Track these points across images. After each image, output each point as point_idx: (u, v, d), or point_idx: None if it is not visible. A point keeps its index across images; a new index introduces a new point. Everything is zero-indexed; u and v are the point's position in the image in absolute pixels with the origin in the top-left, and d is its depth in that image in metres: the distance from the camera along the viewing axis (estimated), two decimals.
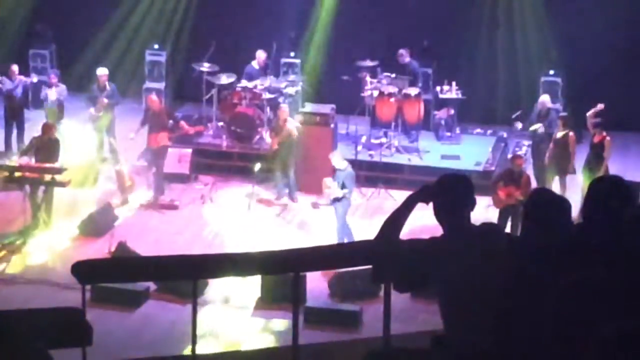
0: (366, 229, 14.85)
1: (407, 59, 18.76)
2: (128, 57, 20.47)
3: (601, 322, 3.93)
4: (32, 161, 15.71)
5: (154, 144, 16.99)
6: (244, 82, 18.67)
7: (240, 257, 6.17)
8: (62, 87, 18.63)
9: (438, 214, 4.78)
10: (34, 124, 17.85)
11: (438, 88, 18.97)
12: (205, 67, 18.87)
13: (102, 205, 16.14)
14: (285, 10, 19.78)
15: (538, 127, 16.89)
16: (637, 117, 18.70)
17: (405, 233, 4.84)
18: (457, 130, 19.02)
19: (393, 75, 18.49)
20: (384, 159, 17.91)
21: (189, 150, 17.95)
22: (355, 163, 16.43)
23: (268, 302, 13.51)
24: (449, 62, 19.38)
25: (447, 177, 4.87)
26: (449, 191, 4.78)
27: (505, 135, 18.91)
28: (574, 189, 15.38)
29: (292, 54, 20.14)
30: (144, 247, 14.52)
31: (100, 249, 14.91)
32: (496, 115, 19.19)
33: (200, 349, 11.01)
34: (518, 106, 18.36)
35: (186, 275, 5.98)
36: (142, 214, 16.62)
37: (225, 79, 18.69)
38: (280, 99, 18.41)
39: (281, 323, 12.92)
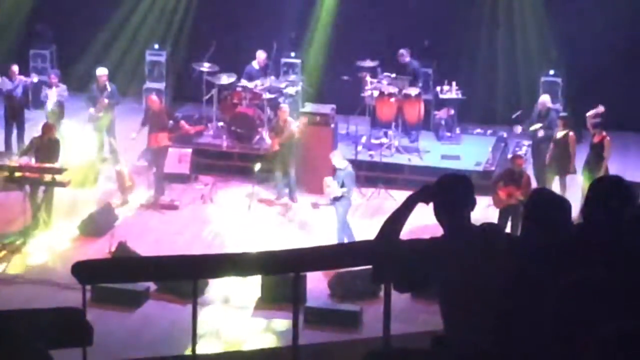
0: (366, 229, 14.84)
1: (408, 59, 18.76)
2: (128, 57, 20.47)
3: (601, 322, 3.93)
4: (32, 161, 15.71)
5: (154, 144, 16.99)
6: (244, 82, 18.67)
7: (241, 257, 6.17)
8: (63, 87, 18.62)
9: (438, 214, 4.79)
10: (34, 124, 17.85)
11: (438, 88, 18.97)
12: (206, 67, 18.87)
13: (102, 206, 16.14)
14: (286, 10, 19.78)
15: (538, 127, 16.89)
16: (637, 117, 18.71)
17: (405, 233, 4.85)
18: (457, 131, 19.02)
19: (393, 76, 18.49)
20: (384, 159, 17.91)
21: (189, 151, 17.94)
22: (355, 163, 16.44)
23: (268, 302, 13.51)
24: (449, 62, 19.38)
25: (447, 177, 4.88)
26: (449, 191, 4.78)
27: (505, 135, 18.91)
28: (574, 189, 15.39)
29: (292, 54, 20.14)
30: (144, 247, 14.52)
31: (100, 249, 14.92)
32: (496, 115, 19.20)
33: (201, 349, 11.02)
34: (518, 106, 18.38)
35: (186, 275, 5.98)
36: (142, 214, 16.62)
37: (225, 79, 18.69)
38: (281, 99, 18.41)
39: (281, 323, 12.92)
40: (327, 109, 18.29)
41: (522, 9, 19.46)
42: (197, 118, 19.12)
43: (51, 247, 15.26)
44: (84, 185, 16.74)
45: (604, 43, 18.60)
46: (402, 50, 18.72)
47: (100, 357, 6.17)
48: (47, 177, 15.47)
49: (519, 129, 17.18)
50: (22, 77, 18.81)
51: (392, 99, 18.18)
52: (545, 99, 17.35)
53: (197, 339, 5.64)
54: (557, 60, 19.08)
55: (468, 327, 4.62)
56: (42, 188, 15.74)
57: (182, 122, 17.44)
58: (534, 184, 15.55)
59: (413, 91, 18.23)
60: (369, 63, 18.74)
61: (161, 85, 20.30)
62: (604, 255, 4.43)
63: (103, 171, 17.56)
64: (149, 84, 20.29)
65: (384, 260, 4.96)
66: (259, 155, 17.55)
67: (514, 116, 18.06)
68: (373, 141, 18.50)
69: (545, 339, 4.32)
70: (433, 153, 18.26)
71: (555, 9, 19.00)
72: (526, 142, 18.07)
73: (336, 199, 15.23)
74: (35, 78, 19.33)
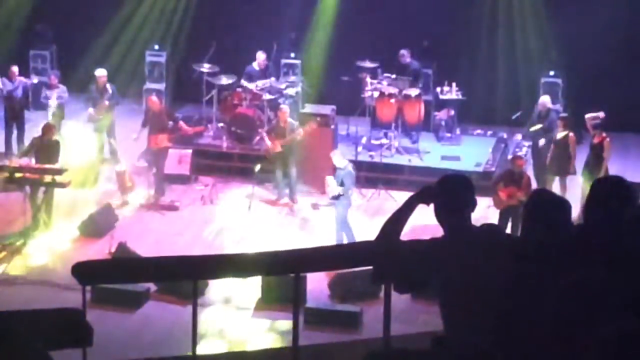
0: (366, 229, 14.85)
1: (408, 60, 18.77)
2: (128, 57, 20.46)
3: (601, 323, 3.93)
4: (33, 162, 15.71)
5: (154, 145, 17.00)
6: (244, 83, 18.68)
7: (241, 257, 6.17)
8: (63, 88, 18.62)
9: (439, 214, 4.79)
10: (34, 125, 17.85)
11: (438, 89, 18.98)
12: (206, 67, 18.88)
13: (103, 206, 16.14)
14: (286, 11, 19.78)
15: (538, 128, 16.90)
16: (637, 118, 18.70)
17: (406, 232, 4.84)
18: (458, 131, 19.02)
19: (393, 76, 18.49)
20: (385, 160, 17.91)
21: (189, 151, 17.95)
22: (355, 164, 16.43)
23: (268, 303, 13.51)
24: (449, 63, 19.38)
25: (447, 178, 4.88)
26: (450, 192, 4.78)
27: (505, 136, 18.92)
28: (574, 190, 15.39)
29: (292, 54, 20.14)
30: (144, 248, 14.52)
31: (100, 249, 14.92)
32: (496, 116, 19.20)
33: (201, 350, 11.01)
34: (518, 107, 18.39)
35: (186, 276, 5.98)
36: (143, 214, 16.63)
37: (225, 80, 18.70)
38: (281, 100, 18.42)
39: (281, 324, 12.91)
40: (327, 109, 18.31)
41: (522, 10, 19.46)
42: (197, 119, 19.12)
43: (51, 247, 15.26)
44: (84, 186, 16.75)
45: (604, 44, 18.59)
46: (402, 51, 18.73)
47: (100, 357, 6.17)
48: (47, 178, 15.47)
49: (519, 136, 17.28)
50: (22, 78, 18.82)
51: (392, 100, 18.19)
52: (545, 99, 17.35)
53: (197, 340, 5.64)
54: (557, 61, 19.08)
55: (468, 327, 4.62)
56: (42, 189, 15.74)
57: (181, 123, 17.44)
58: (534, 185, 15.56)
59: (413, 92, 18.24)
60: (369, 64, 18.74)
61: (161, 86, 20.30)
62: (604, 255, 4.43)
63: (103, 172, 17.56)
64: (148, 85, 20.29)
65: (384, 260, 4.96)
66: (259, 156, 17.54)
67: (514, 117, 18.08)
68: (373, 142, 18.50)
69: (545, 339, 4.32)
70: (433, 154, 18.26)
71: (555, 9, 19.00)
72: (526, 143, 18.07)
73: (335, 198, 15.24)
74: (35, 79, 19.33)
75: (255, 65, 19.01)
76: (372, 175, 17.60)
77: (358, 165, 16.77)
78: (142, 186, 17.14)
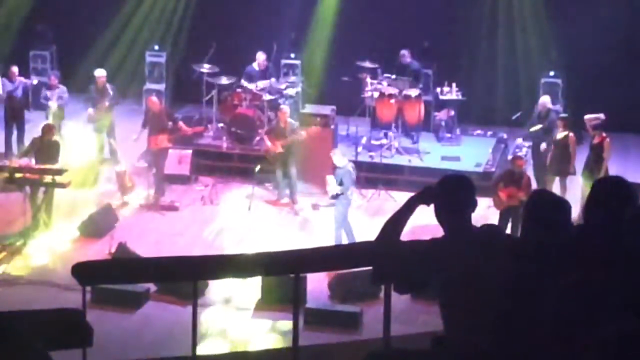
0: (366, 230, 14.84)
1: (409, 60, 18.78)
2: (128, 58, 20.46)
3: (601, 323, 3.94)
4: (33, 162, 15.71)
5: (154, 146, 17.00)
6: (244, 83, 18.68)
7: (241, 258, 6.18)
8: (63, 88, 18.61)
9: (439, 215, 4.79)
10: (34, 125, 17.83)
11: (438, 89, 18.98)
12: (206, 68, 18.87)
13: (103, 207, 16.14)
14: (286, 11, 19.78)
15: (538, 128, 16.91)
16: (637, 119, 18.70)
17: (407, 232, 4.85)
18: (458, 132, 19.02)
19: (393, 77, 18.50)
20: (384, 160, 17.91)
21: (189, 152, 17.95)
22: (355, 164, 16.43)
23: (268, 303, 13.50)
24: (449, 64, 19.38)
25: (448, 179, 4.88)
26: (450, 192, 4.79)
27: (505, 136, 18.92)
28: (574, 191, 15.39)
29: (292, 55, 20.14)
30: (144, 248, 14.52)
31: (100, 250, 14.91)
32: (496, 116, 19.20)
33: (201, 351, 11.01)
34: (518, 107, 18.39)
35: (186, 276, 5.98)
36: (143, 215, 16.62)
37: (225, 80, 18.70)
38: (281, 100, 18.41)
39: (281, 324, 12.91)
40: (327, 110, 18.31)
41: (522, 10, 19.46)
42: (197, 119, 19.12)
43: (51, 248, 15.25)
44: (84, 186, 16.75)
45: (604, 44, 18.59)
46: (403, 51, 18.74)
47: (100, 358, 6.17)
48: (47, 178, 15.47)
49: (520, 140, 17.35)
50: (22, 79, 18.82)
51: (392, 100, 18.19)
52: (545, 100, 17.36)
53: (197, 340, 5.64)
54: (557, 61, 19.08)
55: (468, 327, 4.62)
56: (42, 189, 15.74)
57: (181, 124, 17.42)
58: (534, 185, 15.56)
59: (413, 92, 18.25)
60: (368, 64, 18.74)
61: (161, 87, 20.30)
62: (604, 256, 4.43)
63: (103, 172, 17.57)
64: (148, 85, 20.29)
65: (385, 261, 4.96)
66: (259, 157, 17.54)
67: (514, 117, 18.08)
68: (373, 142, 18.50)
69: (545, 339, 4.32)
70: (433, 154, 18.26)
71: (555, 10, 19.00)
72: (526, 144, 18.07)
73: (334, 197, 15.26)
74: (35, 81, 19.33)
75: (255, 65, 19.01)
76: (372, 175, 17.60)
77: (358, 165, 16.76)
78: (142, 186, 17.14)
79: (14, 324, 4.72)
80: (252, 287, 13.71)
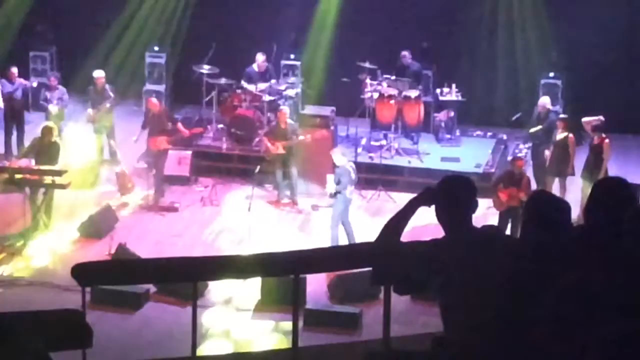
0: (366, 230, 14.85)
1: (410, 61, 18.78)
2: (128, 59, 20.45)
3: (601, 323, 3.94)
4: (32, 163, 15.71)
5: (154, 147, 16.99)
6: (244, 84, 18.68)
7: (240, 259, 6.18)
8: (62, 89, 18.60)
9: (440, 215, 4.79)
10: (34, 126, 17.82)
11: (438, 90, 18.97)
12: (205, 69, 18.87)
13: (102, 208, 16.13)
14: (286, 12, 19.77)
15: (538, 129, 16.92)
16: (637, 120, 18.69)
17: (408, 231, 4.85)
18: (457, 133, 19.02)
19: (393, 78, 18.49)
20: (384, 161, 17.90)
21: (189, 153, 17.95)
22: (355, 165, 16.43)
23: (268, 305, 13.50)
24: (449, 64, 19.38)
25: (449, 179, 4.88)
26: (451, 193, 4.79)
27: (505, 137, 18.92)
28: (574, 191, 15.40)
29: (292, 56, 20.13)
30: (144, 249, 14.52)
31: (100, 251, 14.91)
32: (496, 117, 19.20)
33: (200, 352, 11.01)
34: (518, 108, 18.39)
35: (186, 277, 5.99)
36: (143, 216, 16.62)
37: (225, 81, 18.70)
38: (280, 101, 18.41)
39: (281, 325, 12.91)
40: (327, 111, 18.31)
41: (522, 10, 19.45)
42: (197, 120, 19.12)
43: (51, 249, 15.25)
44: (84, 187, 16.74)
45: (604, 45, 18.60)
46: (404, 52, 18.74)
47: (99, 358, 6.18)
48: (47, 179, 15.47)
49: (522, 146, 17.42)
50: (22, 80, 18.81)
51: (392, 101, 18.19)
52: (545, 101, 17.35)
53: (197, 341, 5.65)
54: (557, 62, 19.07)
55: (468, 328, 4.62)
56: (42, 190, 15.74)
57: (179, 125, 17.39)
58: (533, 186, 15.57)
59: (413, 93, 18.24)
60: (368, 65, 18.73)
61: (161, 87, 20.29)
62: (603, 256, 4.44)
63: (103, 173, 17.57)
64: (148, 86, 20.27)
65: (385, 262, 4.96)
66: (259, 157, 17.53)
67: (513, 118, 18.08)
68: (373, 143, 18.49)
69: (545, 340, 4.32)
70: (433, 155, 18.25)
71: (555, 10, 18.99)
72: (525, 146, 18.06)
73: (333, 196, 15.28)
74: (34, 83, 19.33)
75: (255, 66, 19.01)
76: (371, 176, 17.58)
77: (358, 166, 16.75)
78: (141, 187, 17.14)
79: (14, 325, 4.72)
80: (251, 288, 13.71)
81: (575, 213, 12.06)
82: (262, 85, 18.59)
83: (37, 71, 20.59)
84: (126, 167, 17.31)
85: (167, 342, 12.23)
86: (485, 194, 14.39)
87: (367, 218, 16.25)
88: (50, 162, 15.58)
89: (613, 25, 18.56)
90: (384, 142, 18.40)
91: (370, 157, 18.07)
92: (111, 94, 18.10)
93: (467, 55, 19.53)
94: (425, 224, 6.57)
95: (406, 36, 19.33)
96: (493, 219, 14.66)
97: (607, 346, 3.62)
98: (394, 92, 18.21)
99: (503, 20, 19.47)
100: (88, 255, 14.38)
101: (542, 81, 19.06)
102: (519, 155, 17.02)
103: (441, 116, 18.95)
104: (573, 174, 16.29)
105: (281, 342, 12.49)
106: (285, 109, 17.49)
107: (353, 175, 15.44)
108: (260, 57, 18.96)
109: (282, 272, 6.96)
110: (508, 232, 14.41)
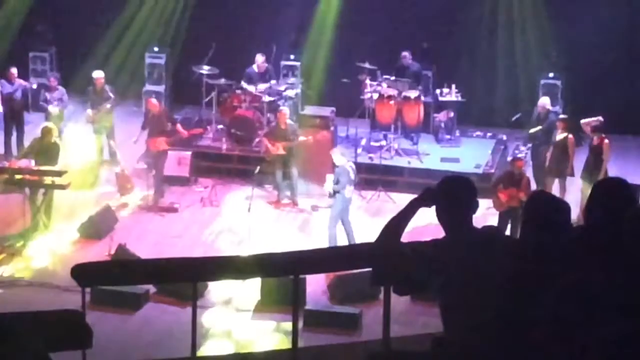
0: (366, 230, 14.84)
1: (410, 61, 18.78)
2: (128, 59, 20.45)
3: (601, 323, 3.93)
4: (32, 164, 15.71)
5: (153, 148, 16.99)
6: (243, 85, 18.68)
7: (240, 259, 6.18)
8: (62, 90, 18.60)
9: (440, 216, 4.79)
10: (34, 126, 17.82)
11: (438, 91, 18.97)
12: (205, 69, 18.87)
13: (102, 208, 16.13)
14: (286, 12, 19.77)
15: (537, 129, 16.92)
16: (637, 120, 18.69)
17: (408, 232, 4.85)
18: (457, 133, 19.03)
19: (393, 78, 18.49)
20: (384, 162, 17.90)
21: (189, 153, 17.94)
22: (355, 165, 16.43)
23: (268, 305, 13.49)
24: (449, 65, 19.38)
25: (449, 180, 4.88)
26: (451, 194, 4.79)
27: (504, 137, 18.92)
28: (574, 192, 15.40)
29: (292, 56, 20.13)
30: (144, 250, 14.52)
31: (100, 251, 14.91)
32: (496, 117, 19.20)
33: (200, 352, 11.01)
34: (518, 109, 18.39)
35: (186, 277, 5.99)
36: (142, 216, 16.62)
37: (224, 82, 18.70)
38: (280, 102, 18.41)
39: (281, 326, 12.91)
40: (326, 111, 18.32)
41: (522, 11, 19.46)
42: (197, 121, 19.12)
43: (51, 249, 15.25)
44: (84, 187, 16.75)
45: (604, 45, 18.60)
46: (404, 53, 18.74)
47: (99, 359, 6.17)
48: (47, 180, 15.47)
49: (522, 147, 17.40)
50: (22, 81, 18.80)
51: (392, 102, 18.19)
52: (544, 101, 17.35)
53: (196, 342, 5.65)
54: (556, 62, 19.07)
55: (468, 328, 4.62)
56: (41, 190, 15.74)
57: (178, 126, 17.39)
58: (533, 187, 15.57)
59: (412, 94, 18.24)
60: (368, 65, 18.73)
61: (161, 88, 20.29)
62: (603, 255, 4.44)
63: (103, 174, 17.57)
64: (148, 87, 20.28)
65: (385, 262, 4.96)
66: (259, 158, 17.53)
67: (513, 118, 18.07)
68: (373, 144, 18.49)
69: (544, 340, 4.32)
70: (433, 156, 18.25)
71: (555, 10, 18.99)
72: (525, 147, 18.06)
73: (330, 195, 15.28)
74: (34, 85, 19.33)
75: (254, 67, 19.01)
76: (371, 177, 17.58)
77: (358, 167, 16.76)
78: (141, 188, 17.14)
79: (14, 325, 4.72)
80: (251, 288, 13.71)
81: (575, 213, 12.11)
82: (262, 86, 18.59)
83: (37, 72, 20.59)
84: (126, 167, 17.31)
85: (167, 343, 12.23)
86: (485, 194, 14.39)
87: (367, 218, 16.25)
88: (50, 163, 15.58)
89: (613, 25, 18.56)
90: (383, 142, 18.40)
91: (370, 158, 18.08)
92: (111, 95, 18.11)
93: (467, 56, 19.53)
94: (425, 224, 6.58)
95: (406, 36, 19.33)
96: (493, 220, 14.66)
97: (607, 346, 3.62)
98: (393, 92, 18.21)
99: (503, 20, 19.47)
100: (88, 256, 14.38)
101: (542, 81, 19.06)
102: (519, 155, 17.01)
103: (441, 117, 18.95)
104: (573, 175, 16.29)
105: (281, 343, 12.49)
106: (285, 109, 17.50)
107: (352, 176, 15.43)
108: (260, 58, 18.96)
109: (282, 273, 6.96)
110: (508, 232, 14.40)
